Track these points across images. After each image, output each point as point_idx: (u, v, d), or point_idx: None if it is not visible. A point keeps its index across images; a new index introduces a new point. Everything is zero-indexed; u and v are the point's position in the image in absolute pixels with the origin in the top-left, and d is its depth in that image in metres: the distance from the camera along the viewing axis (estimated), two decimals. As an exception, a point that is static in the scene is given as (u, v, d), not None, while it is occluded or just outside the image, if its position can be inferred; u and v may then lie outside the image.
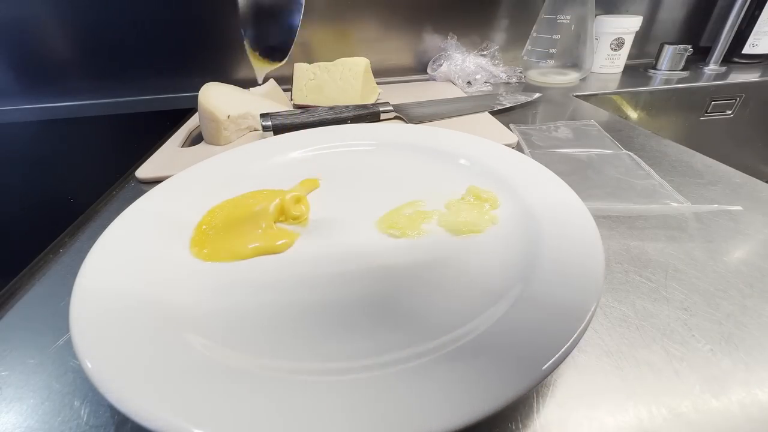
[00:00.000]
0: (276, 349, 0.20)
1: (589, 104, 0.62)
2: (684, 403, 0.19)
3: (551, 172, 0.31)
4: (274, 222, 0.29)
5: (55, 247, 0.33)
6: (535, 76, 0.73)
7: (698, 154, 0.43)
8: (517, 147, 0.45)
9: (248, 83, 0.61)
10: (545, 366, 0.16)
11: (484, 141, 0.37)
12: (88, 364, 0.17)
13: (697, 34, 0.89)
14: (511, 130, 0.49)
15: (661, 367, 0.21)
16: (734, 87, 0.74)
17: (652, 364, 0.21)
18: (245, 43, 0.24)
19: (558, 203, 0.27)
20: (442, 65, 0.72)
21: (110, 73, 0.72)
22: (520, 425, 0.18)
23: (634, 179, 0.37)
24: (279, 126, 0.46)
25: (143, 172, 0.43)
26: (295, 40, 0.73)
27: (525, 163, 0.33)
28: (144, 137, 0.54)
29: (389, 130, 0.43)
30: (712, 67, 0.80)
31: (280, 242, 0.27)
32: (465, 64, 0.71)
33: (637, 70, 0.81)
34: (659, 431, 0.18)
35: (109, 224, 0.27)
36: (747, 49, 0.80)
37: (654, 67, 0.79)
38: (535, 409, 0.19)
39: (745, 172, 0.39)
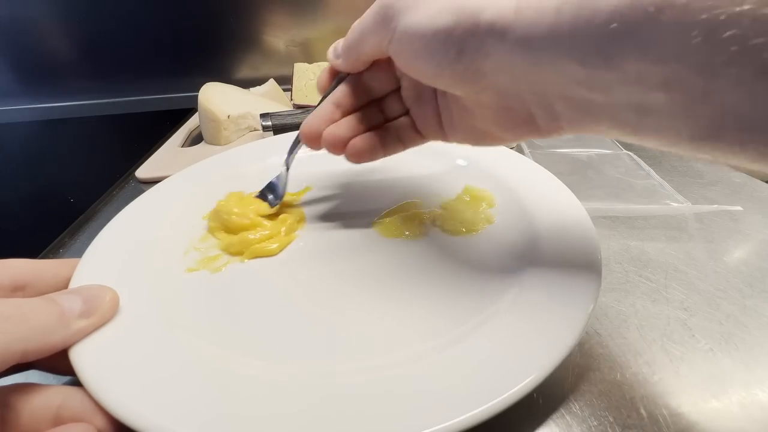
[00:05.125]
0: (275, 352, 0.20)
1: (589, 104, 0.62)
2: (684, 403, 0.19)
3: (548, 171, 0.31)
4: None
5: (55, 247, 0.33)
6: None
7: (698, 154, 0.43)
8: (517, 147, 0.45)
9: (248, 83, 0.61)
10: (544, 367, 0.16)
11: None
12: (84, 370, 0.17)
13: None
14: (511, 130, 0.48)
15: (661, 367, 0.21)
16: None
17: (652, 364, 0.21)
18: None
19: (554, 202, 0.27)
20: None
21: (110, 73, 0.72)
22: (520, 426, 0.18)
23: (634, 179, 0.37)
24: (279, 126, 0.46)
25: (143, 172, 0.43)
26: (296, 40, 0.73)
27: (521, 162, 0.33)
28: (144, 137, 0.54)
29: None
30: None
31: (272, 246, 0.26)
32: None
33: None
34: (659, 431, 0.18)
35: (108, 224, 0.27)
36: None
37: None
38: (534, 410, 0.19)
39: (745, 172, 0.39)
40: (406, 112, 0.25)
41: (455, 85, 0.19)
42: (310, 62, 0.59)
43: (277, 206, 0.29)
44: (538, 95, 0.17)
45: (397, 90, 0.25)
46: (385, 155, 0.25)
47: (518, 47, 0.15)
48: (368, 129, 0.24)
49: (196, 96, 0.49)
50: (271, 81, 0.62)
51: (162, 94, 0.74)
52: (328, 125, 0.24)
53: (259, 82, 0.63)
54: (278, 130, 0.46)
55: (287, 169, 0.29)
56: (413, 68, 0.19)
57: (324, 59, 0.59)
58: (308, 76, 0.59)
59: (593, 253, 0.22)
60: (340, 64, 0.24)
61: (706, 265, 0.27)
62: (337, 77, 0.25)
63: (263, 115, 0.47)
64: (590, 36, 0.13)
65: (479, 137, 0.22)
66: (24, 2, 0.64)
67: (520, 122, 0.19)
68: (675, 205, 0.33)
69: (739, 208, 0.32)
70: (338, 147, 0.24)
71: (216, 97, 0.49)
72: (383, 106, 0.25)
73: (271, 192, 0.30)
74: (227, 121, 0.48)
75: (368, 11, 0.20)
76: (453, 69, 0.17)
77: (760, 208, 0.33)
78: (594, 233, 0.23)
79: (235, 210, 0.28)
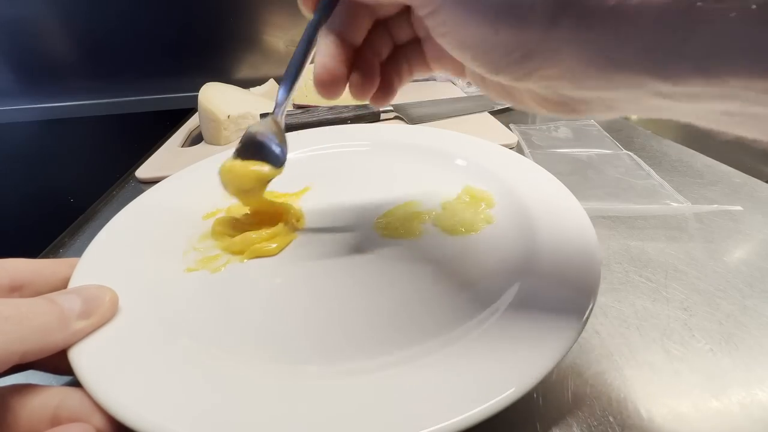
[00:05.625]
0: (273, 352, 0.20)
1: (589, 104, 0.62)
2: (684, 403, 0.19)
3: (547, 171, 0.31)
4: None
5: (55, 247, 0.33)
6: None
7: (698, 154, 0.43)
8: (517, 147, 0.45)
9: (248, 83, 0.61)
10: (544, 366, 0.16)
11: (481, 141, 0.37)
12: (83, 370, 0.17)
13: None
14: (511, 130, 0.49)
15: (661, 367, 0.21)
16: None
17: (652, 364, 0.21)
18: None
19: (554, 203, 0.27)
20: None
21: (110, 73, 0.72)
22: (520, 427, 0.18)
23: (634, 179, 0.37)
24: (279, 126, 0.46)
25: (143, 172, 0.43)
26: (296, 40, 0.73)
27: (521, 163, 0.33)
28: (144, 137, 0.54)
29: (387, 130, 0.43)
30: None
31: (272, 246, 0.26)
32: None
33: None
34: (659, 431, 0.18)
35: (108, 224, 0.27)
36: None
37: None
38: (534, 410, 0.19)
39: (745, 172, 0.39)
40: (417, 39, 0.21)
41: (494, 64, 0.14)
42: (310, 62, 0.59)
43: (283, 166, 0.26)
44: (593, 98, 0.14)
45: (407, 11, 0.20)
46: (401, 85, 0.22)
47: (583, 48, 0.12)
48: (383, 61, 0.21)
49: (196, 96, 0.49)
50: (271, 81, 0.62)
51: (162, 94, 0.74)
52: (345, 67, 0.20)
53: (259, 82, 0.63)
54: (278, 130, 0.46)
55: (280, 118, 0.26)
56: (458, 55, 0.16)
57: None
58: (308, 76, 0.58)
59: (592, 253, 0.22)
60: None
61: (706, 265, 0.27)
62: None
63: (263, 115, 0.47)
64: (690, 53, 0.11)
65: (504, 95, 0.18)
66: (24, 2, 0.64)
67: (560, 105, 0.16)
68: (675, 205, 0.32)
69: (739, 208, 0.32)
70: (366, 91, 0.21)
71: (216, 97, 0.49)
72: (390, 27, 0.21)
73: (270, 154, 0.26)
74: (227, 121, 0.48)
75: None
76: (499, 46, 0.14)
77: (760, 208, 0.33)
78: (593, 233, 0.23)
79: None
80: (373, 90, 0.21)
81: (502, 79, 0.15)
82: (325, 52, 0.20)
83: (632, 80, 0.12)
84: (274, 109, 0.25)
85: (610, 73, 0.12)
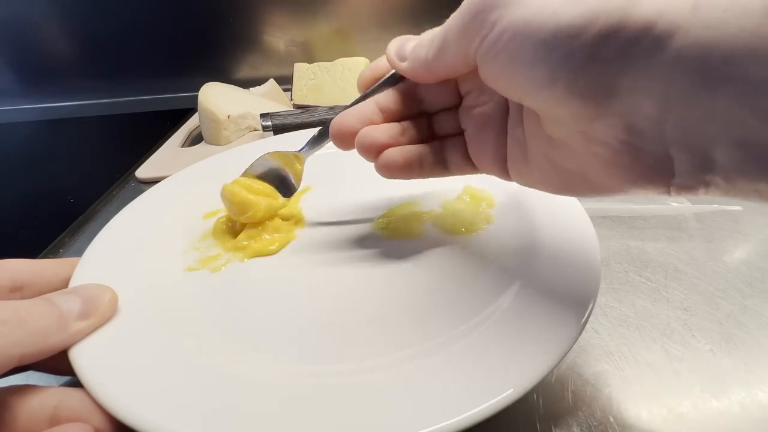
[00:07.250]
0: (274, 352, 0.20)
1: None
2: (684, 403, 0.19)
3: None
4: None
5: (55, 247, 0.33)
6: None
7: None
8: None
9: (248, 83, 0.61)
10: (544, 366, 0.16)
11: None
12: (83, 369, 0.17)
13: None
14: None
15: (661, 367, 0.21)
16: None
17: (652, 364, 0.21)
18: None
19: (554, 202, 0.27)
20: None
21: (110, 73, 0.72)
22: (520, 427, 0.18)
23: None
24: (279, 126, 0.46)
25: (143, 172, 0.43)
26: (296, 40, 0.73)
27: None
28: (144, 137, 0.54)
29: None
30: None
31: (272, 246, 0.27)
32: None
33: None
34: (659, 431, 0.18)
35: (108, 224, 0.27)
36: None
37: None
38: (534, 410, 0.19)
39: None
40: (461, 132, 0.21)
41: (565, 104, 0.13)
42: (310, 62, 0.59)
43: (288, 200, 0.28)
44: (690, 135, 0.11)
45: (456, 107, 0.21)
46: (421, 176, 0.21)
47: (686, 60, 0.10)
48: (410, 142, 0.21)
49: (196, 96, 0.49)
50: (271, 81, 0.62)
51: (162, 94, 0.74)
52: (365, 126, 0.20)
53: (259, 82, 0.63)
54: (278, 130, 0.46)
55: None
56: (510, 78, 0.15)
57: (324, 59, 0.59)
58: (308, 76, 0.59)
59: (592, 253, 0.22)
60: (406, 69, 0.19)
61: (706, 265, 0.27)
62: (386, 77, 0.20)
63: (263, 115, 0.47)
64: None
65: (563, 181, 0.16)
66: (25, 2, 0.64)
67: (643, 168, 0.13)
68: (675, 205, 0.32)
69: (739, 208, 0.32)
70: (372, 152, 0.20)
71: (216, 97, 0.49)
72: (434, 121, 0.21)
73: (280, 181, 0.28)
74: (227, 121, 0.48)
75: (456, 12, 0.16)
76: (572, 81, 0.12)
77: (760, 208, 0.33)
78: (593, 233, 0.23)
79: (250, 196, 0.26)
80: (374, 156, 0.20)
81: (561, 99, 0.13)
82: (354, 109, 0.20)
83: (744, 91, 0.10)
84: (303, 147, 0.27)
85: (710, 79, 0.11)
